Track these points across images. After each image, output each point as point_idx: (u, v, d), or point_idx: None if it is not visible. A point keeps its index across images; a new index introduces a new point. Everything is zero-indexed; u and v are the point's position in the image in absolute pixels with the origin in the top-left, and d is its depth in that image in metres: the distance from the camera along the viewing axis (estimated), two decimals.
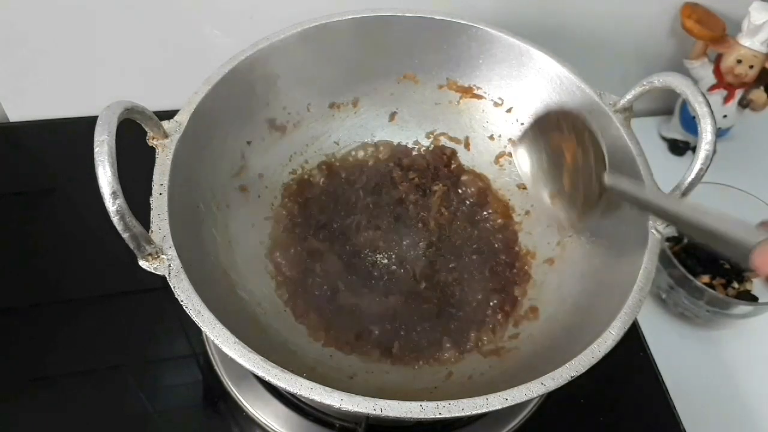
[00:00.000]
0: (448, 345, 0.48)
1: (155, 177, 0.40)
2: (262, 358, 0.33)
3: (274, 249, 0.52)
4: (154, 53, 0.65)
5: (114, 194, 0.32)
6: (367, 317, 0.49)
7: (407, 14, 0.53)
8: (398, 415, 0.32)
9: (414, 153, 0.60)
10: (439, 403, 0.32)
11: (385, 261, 0.53)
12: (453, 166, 0.59)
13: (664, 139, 0.78)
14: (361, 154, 0.59)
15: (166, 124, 0.42)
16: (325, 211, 0.55)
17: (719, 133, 0.73)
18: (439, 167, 0.59)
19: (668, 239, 0.64)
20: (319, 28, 0.51)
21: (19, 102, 0.67)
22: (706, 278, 0.60)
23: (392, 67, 0.57)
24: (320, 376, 0.44)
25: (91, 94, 0.61)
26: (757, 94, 0.70)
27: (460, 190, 0.58)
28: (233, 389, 0.50)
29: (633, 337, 0.57)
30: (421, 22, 0.53)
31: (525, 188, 0.57)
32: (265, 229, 0.53)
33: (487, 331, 0.49)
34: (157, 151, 0.41)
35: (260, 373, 0.33)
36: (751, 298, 0.59)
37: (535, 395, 0.34)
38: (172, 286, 0.35)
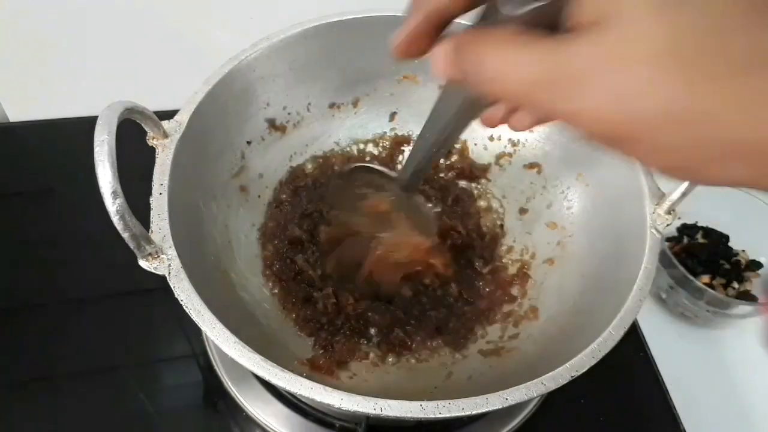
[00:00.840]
0: (441, 343, 0.48)
1: (155, 177, 0.40)
2: (262, 357, 0.33)
3: (264, 241, 0.52)
4: (154, 53, 0.65)
5: (114, 194, 0.32)
6: (354, 318, 0.49)
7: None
8: (398, 415, 0.32)
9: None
10: (439, 402, 0.32)
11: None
12: (452, 161, 0.59)
13: None
14: (361, 146, 0.60)
15: (166, 124, 0.42)
16: (313, 201, 0.55)
17: None
18: (438, 165, 0.59)
19: (668, 239, 0.64)
20: (319, 28, 0.51)
21: (19, 102, 0.67)
22: (706, 278, 0.60)
23: (392, 67, 0.57)
24: (320, 375, 0.44)
25: (91, 94, 0.61)
26: None
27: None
28: (233, 389, 0.50)
29: (633, 337, 0.57)
30: None
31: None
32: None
33: (483, 331, 0.50)
34: (157, 150, 0.41)
35: (260, 373, 0.33)
36: (751, 298, 0.59)
37: (535, 395, 0.34)
38: (172, 286, 0.35)
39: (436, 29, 0.26)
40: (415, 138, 0.59)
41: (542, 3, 0.21)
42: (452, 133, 0.34)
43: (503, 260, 0.54)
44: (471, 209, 0.57)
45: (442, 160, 0.59)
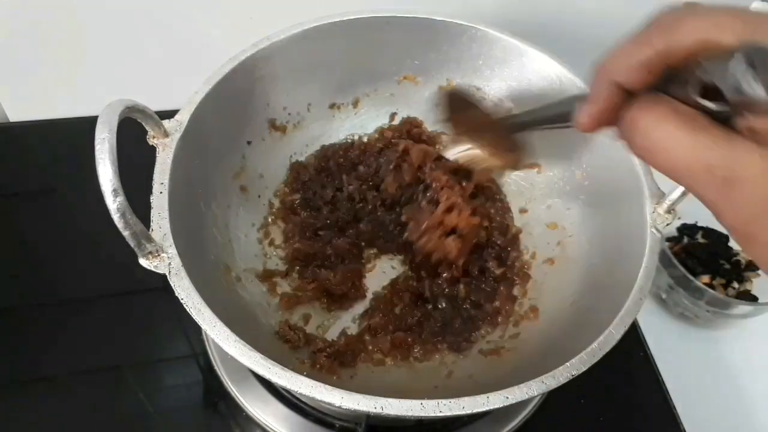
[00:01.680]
0: (444, 344, 0.48)
1: (156, 176, 0.40)
2: (262, 356, 0.33)
3: (266, 239, 0.53)
4: (154, 53, 0.65)
5: (115, 192, 0.32)
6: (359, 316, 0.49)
7: (407, 15, 0.53)
8: (399, 414, 0.32)
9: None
10: (439, 401, 0.32)
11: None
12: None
13: None
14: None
15: (166, 123, 0.42)
16: (327, 187, 0.56)
17: None
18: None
19: (668, 239, 0.64)
20: (319, 28, 0.51)
21: (19, 102, 0.67)
22: (706, 278, 0.60)
23: (392, 68, 0.57)
24: (320, 374, 0.44)
25: (91, 94, 0.61)
26: None
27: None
28: (233, 389, 0.50)
29: (633, 337, 0.57)
30: (421, 23, 0.54)
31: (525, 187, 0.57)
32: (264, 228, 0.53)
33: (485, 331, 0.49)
34: (157, 150, 0.41)
35: (260, 371, 0.33)
36: (751, 298, 0.59)
37: (536, 394, 0.34)
38: (172, 285, 0.35)
39: (622, 102, 0.26)
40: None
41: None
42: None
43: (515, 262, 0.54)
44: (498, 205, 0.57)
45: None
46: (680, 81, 0.24)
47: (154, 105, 0.40)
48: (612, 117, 0.27)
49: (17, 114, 0.68)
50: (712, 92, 0.23)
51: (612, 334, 0.37)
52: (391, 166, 0.55)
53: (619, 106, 0.26)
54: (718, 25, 0.23)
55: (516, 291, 0.52)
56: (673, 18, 0.24)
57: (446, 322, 0.49)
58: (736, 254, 0.63)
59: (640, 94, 0.25)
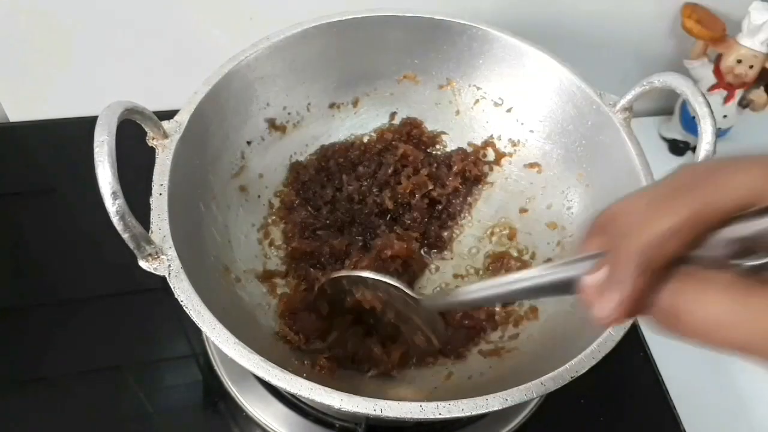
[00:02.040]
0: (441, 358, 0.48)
1: (155, 177, 0.40)
2: (262, 358, 0.33)
3: (267, 241, 0.52)
4: (154, 53, 0.65)
5: (114, 194, 0.32)
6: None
7: (407, 14, 0.53)
8: (398, 416, 0.32)
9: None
10: (439, 403, 0.32)
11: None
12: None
13: (664, 139, 0.78)
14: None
15: (166, 124, 0.42)
16: (326, 187, 0.56)
17: (719, 133, 0.72)
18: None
19: None
20: (319, 28, 0.51)
21: (19, 102, 0.67)
22: None
23: (392, 67, 0.57)
24: (320, 376, 0.44)
25: (91, 94, 0.61)
26: (757, 94, 0.70)
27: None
28: (233, 389, 0.50)
29: (633, 337, 0.57)
30: (421, 22, 0.53)
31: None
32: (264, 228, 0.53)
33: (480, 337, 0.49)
34: (157, 151, 0.41)
35: (260, 374, 0.33)
36: None
37: (535, 396, 0.34)
38: (172, 287, 0.35)
39: (659, 281, 0.22)
40: None
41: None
42: (520, 297, 0.34)
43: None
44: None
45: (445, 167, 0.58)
46: (712, 241, 0.21)
47: (154, 106, 0.40)
48: (644, 302, 0.22)
49: (17, 114, 0.68)
50: (746, 247, 0.21)
51: (612, 335, 0.37)
52: (390, 170, 0.55)
53: (650, 288, 0.22)
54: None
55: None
56: (712, 171, 0.21)
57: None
58: None
59: (667, 267, 0.22)
